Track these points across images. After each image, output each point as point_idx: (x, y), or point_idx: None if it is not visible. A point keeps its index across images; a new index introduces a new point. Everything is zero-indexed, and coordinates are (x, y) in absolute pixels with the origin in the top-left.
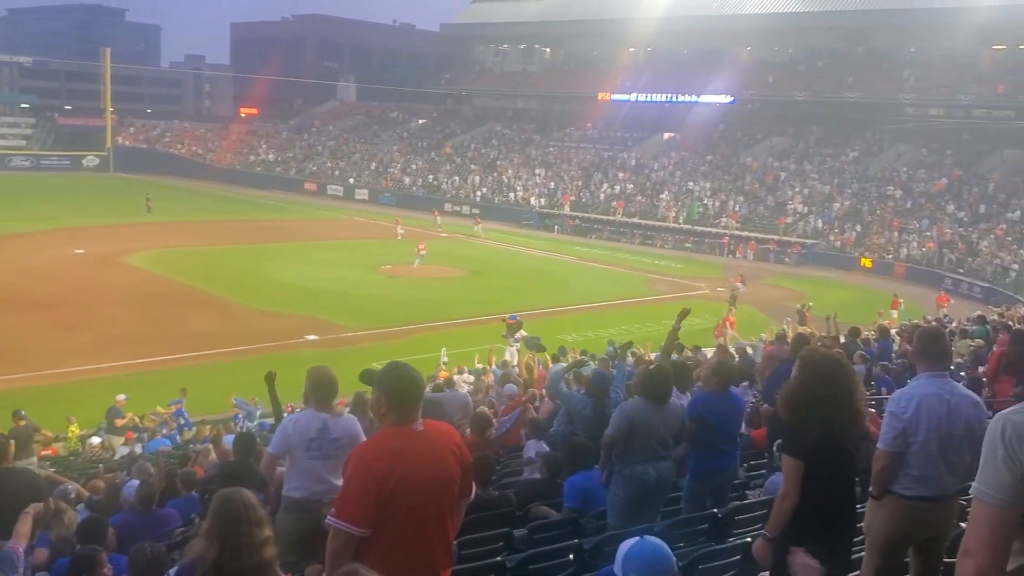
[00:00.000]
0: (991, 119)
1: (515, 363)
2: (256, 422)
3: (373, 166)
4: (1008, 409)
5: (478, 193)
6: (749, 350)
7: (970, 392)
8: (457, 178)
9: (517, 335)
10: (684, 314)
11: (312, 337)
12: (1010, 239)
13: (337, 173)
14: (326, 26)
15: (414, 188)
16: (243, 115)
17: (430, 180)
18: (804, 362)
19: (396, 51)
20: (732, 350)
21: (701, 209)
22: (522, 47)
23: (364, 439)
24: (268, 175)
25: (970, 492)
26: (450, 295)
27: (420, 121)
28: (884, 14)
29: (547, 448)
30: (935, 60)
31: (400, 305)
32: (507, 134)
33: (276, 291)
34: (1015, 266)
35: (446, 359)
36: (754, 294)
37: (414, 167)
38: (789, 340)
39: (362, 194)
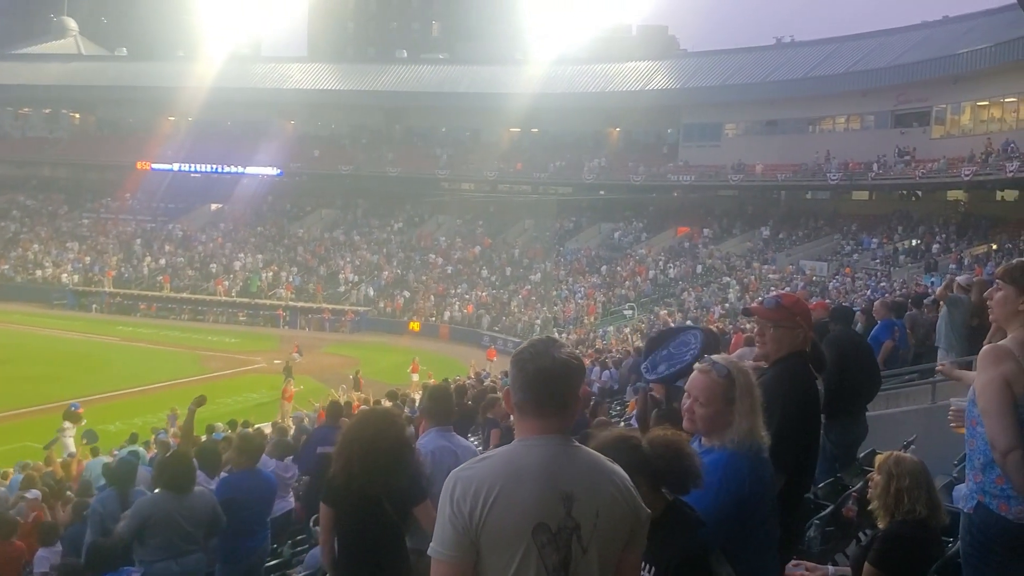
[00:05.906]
0: (513, 193)
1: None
2: None
3: None
4: (460, 466)
5: None
6: (306, 421)
7: (471, 443)
8: None
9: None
10: (199, 401)
11: None
12: (534, 298)
13: None
14: None
15: None
16: None
17: None
18: (358, 417)
19: None
20: (289, 422)
21: (260, 282)
22: (46, 111)
23: None
24: None
25: (428, 551)
26: None
27: None
28: (416, 96)
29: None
30: (465, 139)
31: None
32: (31, 205)
33: None
34: (539, 321)
35: None
36: (311, 363)
37: None
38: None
39: None
